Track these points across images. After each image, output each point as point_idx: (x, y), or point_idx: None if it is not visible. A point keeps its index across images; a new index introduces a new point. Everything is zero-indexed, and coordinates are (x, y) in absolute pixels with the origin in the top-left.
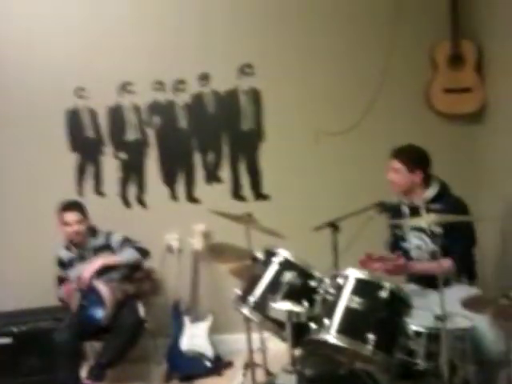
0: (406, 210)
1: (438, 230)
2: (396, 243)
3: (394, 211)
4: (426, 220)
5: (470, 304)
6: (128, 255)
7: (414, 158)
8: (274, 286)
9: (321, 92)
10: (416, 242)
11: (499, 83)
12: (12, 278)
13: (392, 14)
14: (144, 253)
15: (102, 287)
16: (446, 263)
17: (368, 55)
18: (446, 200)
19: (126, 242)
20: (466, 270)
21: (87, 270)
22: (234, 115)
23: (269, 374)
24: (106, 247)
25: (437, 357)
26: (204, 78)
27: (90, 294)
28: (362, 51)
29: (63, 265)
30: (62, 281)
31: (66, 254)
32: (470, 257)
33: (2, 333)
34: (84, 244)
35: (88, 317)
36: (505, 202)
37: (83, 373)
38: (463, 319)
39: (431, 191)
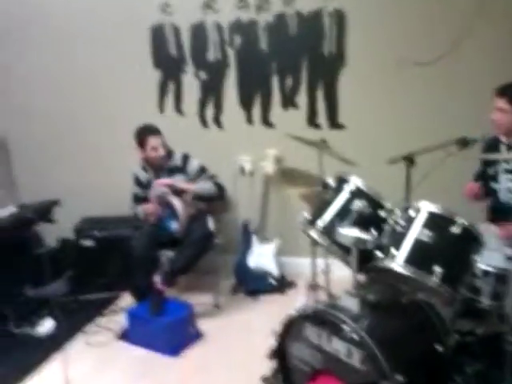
0: (503, 149)
1: None
2: (486, 183)
3: (490, 147)
4: None
5: None
6: (206, 188)
7: None
8: (343, 213)
9: (409, 20)
10: (507, 185)
11: None
12: (98, 188)
13: None
14: (221, 189)
15: (177, 202)
16: None
17: None
18: None
19: (203, 171)
20: None
21: (176, 180)
22: (316, 38)
23: (331, 296)
24: (181, 169)
25: (502, 297)
26: None
27: (165, 208)
28: None
29: (140, 185)
30: (138, 199)
31: (142, 175)
32: None
33: (87, 236)
34: (161, 165)
35: (163, 228)
36: None
37: (157, 278)
38: None
39: None
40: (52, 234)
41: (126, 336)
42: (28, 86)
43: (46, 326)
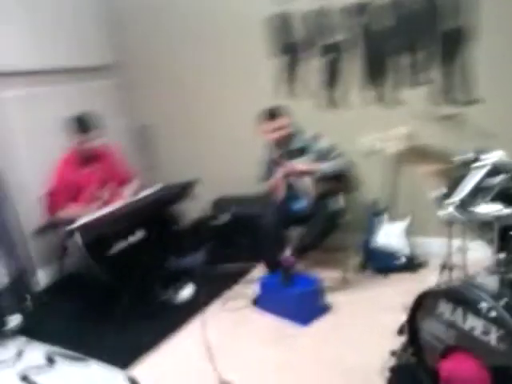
0: None
1: None
2: None
3: None
4: None
5: None
6: (334, 167)
7: None
8: (482, 188)
9: None
10: None
11: None
12: (233, 169)
13: None
14: (349, 168)
15: (306, 179)
16: None
17: None
18: None
19: (331, 150)
20: None
21: (298, 164)
22: (446, 12)
23: (466, 275)
24: (310, 149)
25: None
26: None
27: (294, 186)
28: None
29: (269, 163)
30: (267, 176)
31: (271, 154)
32: None
33: (223, 212)
34: (287, 144)
35: (291, 206)
36: None
37: (287, 252)
38: None
39: None
40: (192, 210)
41: (258, 303)
42: (168, 80)
43: (187, 292)
